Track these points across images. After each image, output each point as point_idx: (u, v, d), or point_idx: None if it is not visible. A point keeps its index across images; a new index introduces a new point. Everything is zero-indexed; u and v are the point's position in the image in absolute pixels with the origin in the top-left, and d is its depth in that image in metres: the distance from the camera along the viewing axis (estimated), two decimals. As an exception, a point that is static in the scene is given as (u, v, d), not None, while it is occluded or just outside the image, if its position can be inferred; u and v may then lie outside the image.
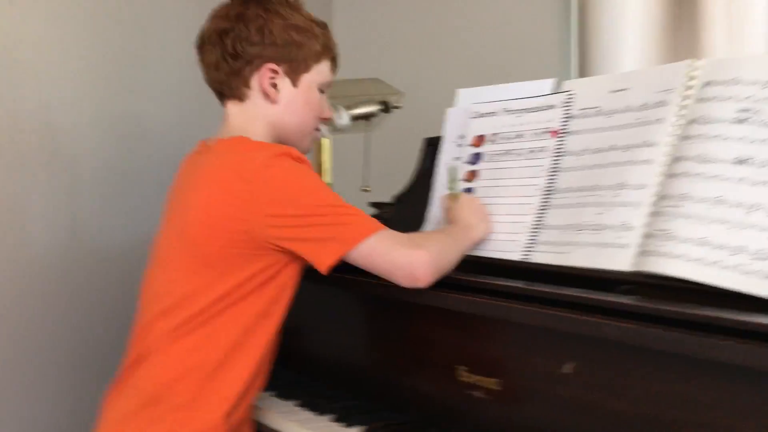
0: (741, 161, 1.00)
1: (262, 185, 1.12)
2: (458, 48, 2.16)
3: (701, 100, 1.08)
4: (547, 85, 1.35)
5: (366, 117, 1.60)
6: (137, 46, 1.92)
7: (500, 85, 1.42)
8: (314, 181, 1.18)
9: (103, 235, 1.83)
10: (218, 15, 1.26)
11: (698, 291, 0.97)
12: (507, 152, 1.33)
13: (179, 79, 1.99)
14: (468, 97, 1.45)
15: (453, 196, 1.30)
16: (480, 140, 1.38)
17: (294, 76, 1.25)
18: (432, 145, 1.49)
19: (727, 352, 0.81)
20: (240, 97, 1.25)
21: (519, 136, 1.33)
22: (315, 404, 1.27)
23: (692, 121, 1.08)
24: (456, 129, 1.44)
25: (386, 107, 1.61)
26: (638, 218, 1.09)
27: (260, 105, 1.25)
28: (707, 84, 1.08)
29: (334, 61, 1.32)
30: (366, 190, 1.65)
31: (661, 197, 1.07)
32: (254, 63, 1.23)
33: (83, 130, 1.79)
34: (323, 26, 1.30)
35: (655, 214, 1.07)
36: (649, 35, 1.86)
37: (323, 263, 1.13)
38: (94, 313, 1.81)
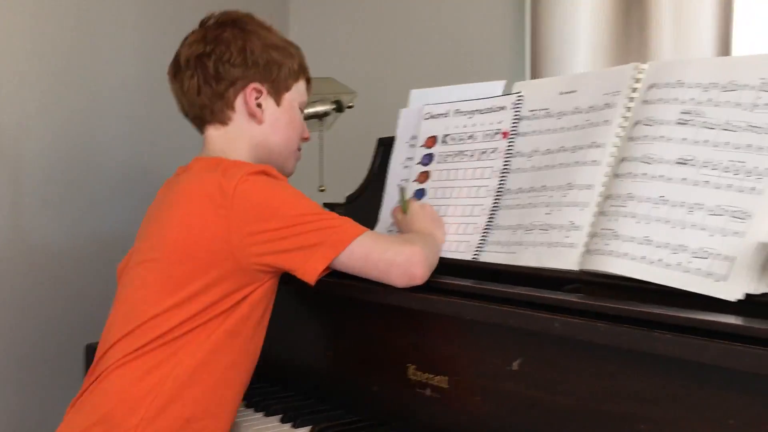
0: (683, 162, 1.03)
1: (239, 206, 1.10)
2: (412, 48, 2.17)
3: (646, 102, 1.11)
4: (498, 86, 1.37)
5: (319, 116, 1.60)
6: (85, 46, 1.88)
7: (452, 86, 1.43)
8: (293, 192, 1.16)
9: (46, 236, 1.80)
10: (193, 40, 1.25)
11: (643, 289, 0.99)
12: (459, 153, 1.34)
13: (128, 80, 1.97)
14: (420, 98, 1.46)
15: (403, 209, 1.29)
16: (432, 141, 1.39)
17: (277, 95, 1.26)
18: (385, 145, 1.49)
19: (669, 346, 0.83)
20: (223, 121, 1.24)
21: (470, 137, 1.34)
22: (265, 405, 1.26)
23: (637, 123, 1.10)
24: (408, 130, 1.44)
25: (339, 106, 1.61)
26: (585, 218, 1.11)
27: (244, 126, 1.25)
28: (652, 86, 1.11)
29: (309, 81, 1.34)
30: (321, 190, 1.65)
31: (607, 197, 1.09)
32: (238, 84, 1.23)
33: (28, 130, 1.75)
34: (296, 47, 1.31)
35: (601, 213, 1.09)
36: (600, 39, 1.89)
37: (312, 270, 1.09)
38: (33, 313, 1.77)
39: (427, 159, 1.38)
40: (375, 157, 1.52)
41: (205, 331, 1.11)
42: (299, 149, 1.34)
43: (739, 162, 0.98)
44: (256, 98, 1.24)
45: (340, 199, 1.55)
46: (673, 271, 0.97)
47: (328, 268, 1.11)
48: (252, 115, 1.24)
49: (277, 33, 1.29)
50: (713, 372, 0.81)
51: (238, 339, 1.14)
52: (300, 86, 1.30)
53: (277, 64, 1.25)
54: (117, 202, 1.93)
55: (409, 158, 1.43)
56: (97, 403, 1.11)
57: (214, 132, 1.25)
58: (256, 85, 1.24)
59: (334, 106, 1.61)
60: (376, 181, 1.48)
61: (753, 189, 0.95)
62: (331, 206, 1.47)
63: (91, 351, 1.37)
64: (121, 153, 1.96)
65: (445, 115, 1.38)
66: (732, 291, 0.91)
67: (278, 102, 1.27)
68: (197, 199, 1.13)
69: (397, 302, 1.12)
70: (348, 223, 1.14)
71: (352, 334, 1.25)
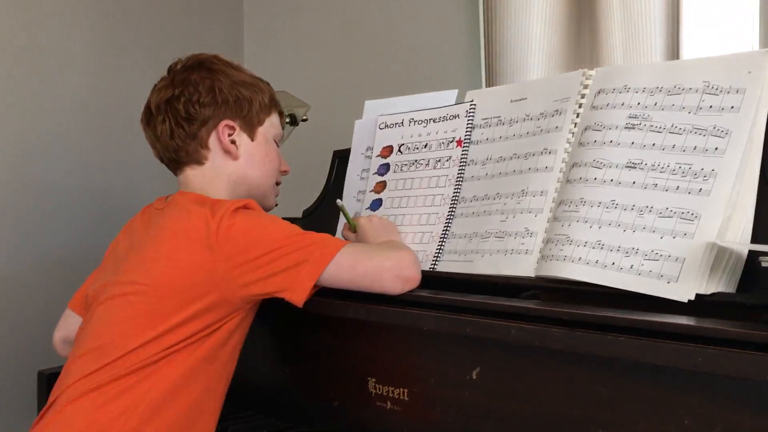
0: (632, 165, 1.04)
1: (224, 242, 1.10)
2: (366, 60, 2.17)
3: (594, 107, 1.12)
4: (451, 95, 1.37)
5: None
6: (34, 62, 1.85)
7: (406, 96, 1.43)
8: (271, 219, 1.16)
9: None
10: (161, 86, 1.26)
11: (598, 293, 1.00)
12: (414, 162, 1.34)
13: (81, 89, 1.94)
14: (375, 109, 1.46)
15: (351, 227, 1.29)
16: (388, 151, 1.39)
17: (249, 130, 1.27)
18: (341, 158, 1.49)
19: (623, 348, 0.83)
20: (198, 161, 1.24)
21: (426, 146, 1.34)
22: (223, 427, 1.23)
23: (587, 128, 1.11)
24: (364, 141, 1.44)
25: (293, 120, 1.60)
26: (539, 224, 1.11)
27: (220, 164, 1.24)
28: (600, 92, 1.12)
29: (281, 114, 1.35)
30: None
31: (560, 202, 1.10)
32: (209, 123, 1.23)
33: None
34: (266, 82, 1.32)
35: (555, 219, 1.09)
36: (552, 46, 1.91)
37: (301, 289, 1.08)
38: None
39: (384, 169, 1.38)
40: (331, 169, 1.51)
41: (180, 356, 1.10)
42: (278, 183, 1.34)
43: (686, 164, 0.99)
44: (229, 135, 1.25)
45: (297, 213, 1.54)
46: (626, 274, 0.98)
47: (316, 286, 1.10)
48: (227, 152, 1.25)
49: (245, 70, 1.31)
50: (668, 372, 0.82)
51: (214, 364, 1.13)
52: (273, 119, 1.31)
53: (247, 100, 1.26)
54: (67, 224, 1.90)
55: (365, 169, 1.43)
56: (66, 426, 1.08)
57: (191, 172, 1.25)
58: (228, 121, 1.24)
59: (288, 120, 1.60)
60: (333, 194, 1.47)
61: (700, 190, 0.97)
62: (289, 221, 1.45)
63: (43, 378, 1.34)
64: (70, 173, 1.92)
65: (400, 124, 1.39)
66: (683, 292, 0.92)
67: (252, 137, 1.27)
68: (184, 234, 1.13)
69: (354, 315, 1.11)
70: (330, 238, 1.14)
71: (310, 349, 1.24)
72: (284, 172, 1.35)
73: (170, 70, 1.28)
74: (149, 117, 1.27)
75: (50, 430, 1.10)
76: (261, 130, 1.28)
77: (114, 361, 1.09)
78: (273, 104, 1.31)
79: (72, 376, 1.11)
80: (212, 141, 1.24)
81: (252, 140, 1.27)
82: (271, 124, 1.30)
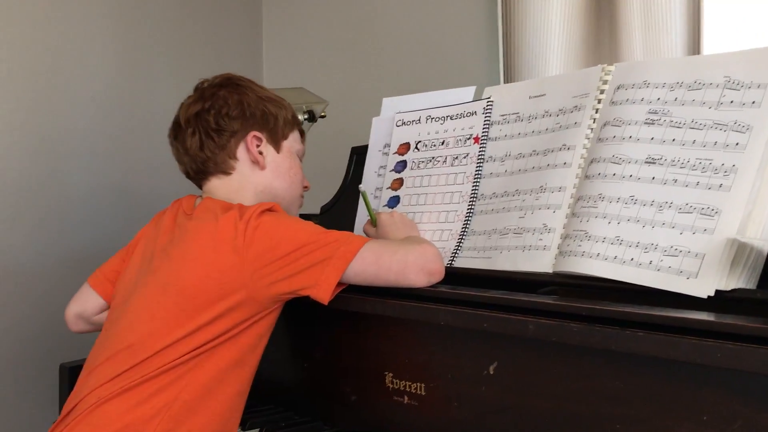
0: (652, 161, 1.04)
1: (251, 244, 1.12)
2: (385, 57, 2.17)
3: (614, 103, 1.11)
4: (469, 92, 1.37)
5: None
6: (54, 62, 1.87)
7: (423, 93, 1.43)
8: (295, 220, 1.19)
9: (17, 255, 1.78)
10: (191, 102, 1.30)
11: (617, 289, 0.99)
12: (432, 159, 1.34)
13: (98, 95, 1.96)
14: (392, 106, 1.46)
15: (372, 222, 1.30)
16: (405, 148, 1.39)
17: (275, 143, 1.31)
18: (358, 154, 1.49)
19: (641, 344, 0.83)
20: (226, 171, 1.28)
21: (443, 143, 1.34)
22: (242, 420, 1.24)
23: (606, 124, 1.11)
24: (381, 138, 1.44)
25: (311, 116, 1.61)
26: (558, 220, 1.11)
27: (248, 174, 1.28)
28: (619, 87, 1.12)
29: (302, 133, 1.39)
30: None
31: (579, 198, 1.09)
32: (238, 134, 1.27)
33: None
34: (287, 101, 1.36)
35: (573, 215, 1.09)
36: (571, 43, 1.90)
37: (326, 284, 1.09)
38: (5, 333, 1.75)
39: (401, 166, 1.38)
40: (348, 166, 1.52)
41: (211, 359, 1.12)
42: (301, 196, 1.37)
43: (706, 159, 0.98)
44: (257, 145, 1.29)
45: (315, 209, 1.55)
46: (645, 269, 0.98)
47: (341, 283, 1.11)
48: (255, 162, 1.28)
49: (269, 89, 1.36)
50: (686, 368, 0.81)
51: (244, 368, 1.16)
52: (296, 135, 1.35)
53: (272, 115, 1.30)
54: (87, 221, 1.92)
55: (383, 166, 1.43)
56: (97, 427, 1.08)
57: (217, 182, 1.28)
58: (256, 133, 1.28)
59: (306, 116, 1.61)
60: (350, 190, 1.47)
61: (720, 186, 0.96)
62: (305, 217, 1.46)
63: (65, 371, 1.36)
64: (91, 170, 1.94)
65: (417, 121, 1.39)
66: (703, 288, 0.92)
67: (277, 149, 1.31)
68: (212, 236, 1.15)
69: (372, 310, 1.12)
70: (352, 235, 1.16)
71: (328, 344, 1.24)
72: (305, 188, 1.38)
73: (197, 88, 1.32)
74: (177, 131, 1.30)
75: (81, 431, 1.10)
76: (286, 144, 1.32)
77: (144, 361, 1.10)
78: (295, 122, 1.36)
79: (100, 377, 1.12)
80: (240, 151, 1.28)
81: (278, 152, 1.31)
82: (295, 139, 1.35)
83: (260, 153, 1.28)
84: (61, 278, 1.80)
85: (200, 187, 1.31)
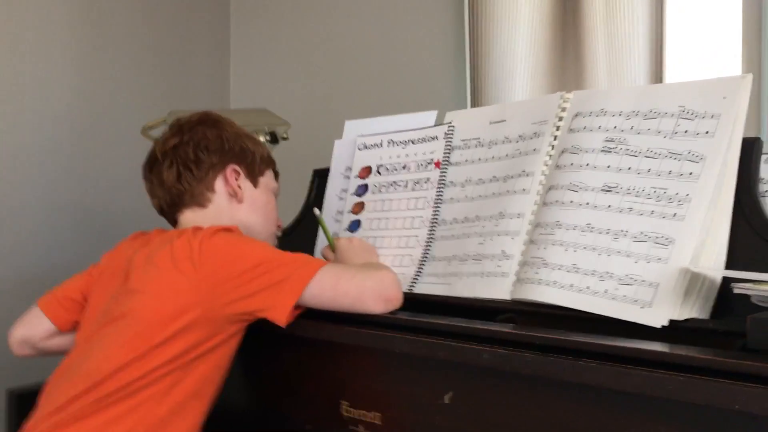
0: (608, 189, 1.04)
1: (206, 260, 1.10)
2: (348, 79, 2.17)
3: (572, 130, 1.12)
4: (430, 116, 1.37)
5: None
6: (10, 73, 1.84)
7: (386, 116, 1.43)
8: (251, 240, 1.18)
9: None
10: (168, 136, 1.29)
11: (573, 317, 0.99)
12: (392, 183, 1.34)
13: (52, 110, 1.92)
14: (355, 129, 1.45)
15: (331, 247, 1.29)
16: (367, 172, 1.38)
17: (253, 178, 1.31)
18: (320, 177, 1.48)
19: (593, 375, 0.82)
20: (201, 203, 1.26)
21: (404, 167, 1.33)
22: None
23: (564, 151, 1.11)
24: (343, 160, 1.43)
25: (274, 138, 1.60)
26: (516, 247, 1.11)
27: (224, 207, 1.27)
28: (577, 115, 1.12)
29: (276, 174, 1.39)
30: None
31: (537, 225, 1.09)
32: (217, 167, 1.27)
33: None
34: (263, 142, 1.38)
35: (531, 242, 1.09)
36: (538, 69, 1.92)
37: (283, 306, 1.07)
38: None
39: (362, 190, 1.37)
40: (310, 188, 1.50)
41: (170, 390, 1.09)
42: (276, 234, 1.36)
43: (661, 188, 0.99)
44: (236, 178, 1.28)
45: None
46: (600, 298, 0.97)
47: (299, 306, 1.09)
48: (232, 195, 1.28)
49: (245, 129, 1.36)
50: (639, 399, 0.80)
51: (202, 401, 1.13)
52: (271, 173, 1.36)
53: (250, 151, 1.31)
54: (39, 240, 1.87)
55: (344, 189, 1.42)
56: None
57: (191, 215, 1.26)
58: (235, 166, 1.28)
59: (268, 138, 1.59)
60: (312, 213, 1.45)
61: (674, 215, 0.96)
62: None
63: (12, 396, 1.31)
64: (48, 192, 1.90)
65: (379, 145, 1.38)
66: (657, 317, 0.92)
67: (255, 184, 1.31)
68: (171, 259, 1.12)
69: (328, 336, 1.10)
70: (311, 258, 1.15)
71: (282, 371, 1.22)
72: (278, 227, 1.37)
73: (173, 125, 1.31)
74: (153, 164, 1.29)
75: None
76: (263, 180, 1.33)
77: (98, 383, 1.07)
78: (270, 160, 1.37)
79: (55, 400, 1.09)
80: (218, 184, 1.27)
81: (255, 187, 1.31)
82: (270, 177, 1.35)
83: (239, 186, 1.28)
84: (10, 300, 1.75)
85: (173, 221, 1.29)
